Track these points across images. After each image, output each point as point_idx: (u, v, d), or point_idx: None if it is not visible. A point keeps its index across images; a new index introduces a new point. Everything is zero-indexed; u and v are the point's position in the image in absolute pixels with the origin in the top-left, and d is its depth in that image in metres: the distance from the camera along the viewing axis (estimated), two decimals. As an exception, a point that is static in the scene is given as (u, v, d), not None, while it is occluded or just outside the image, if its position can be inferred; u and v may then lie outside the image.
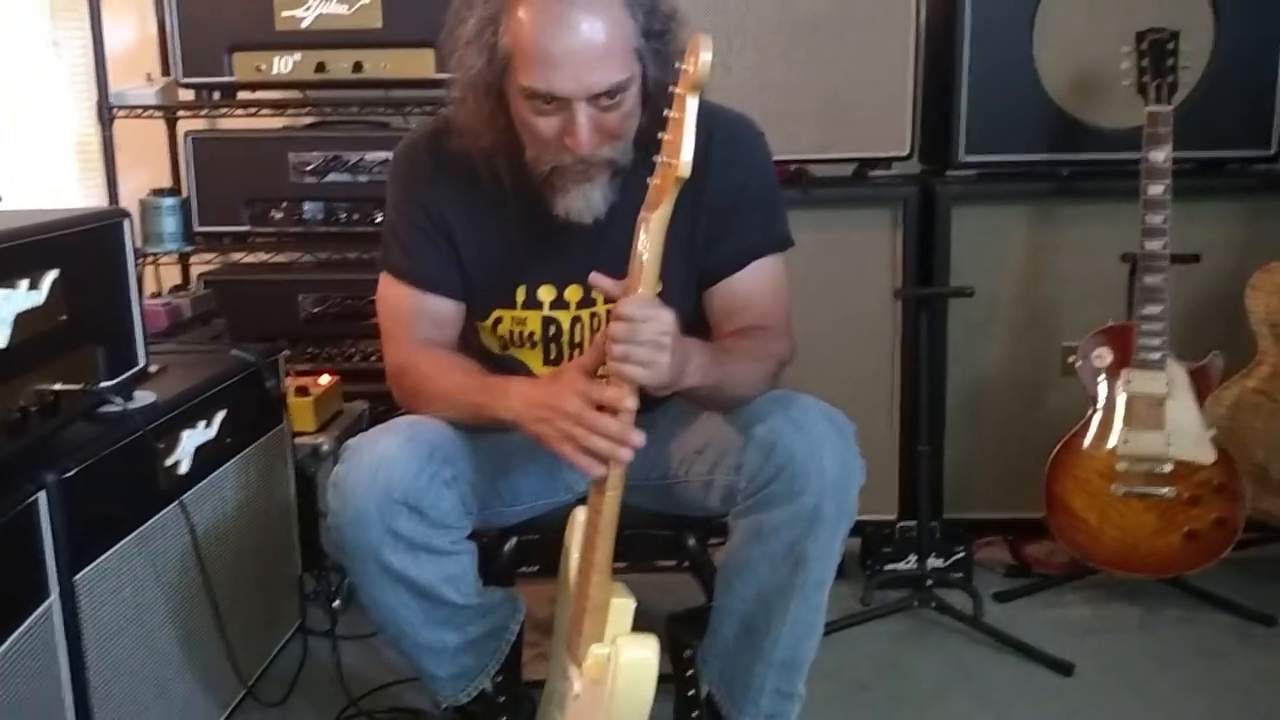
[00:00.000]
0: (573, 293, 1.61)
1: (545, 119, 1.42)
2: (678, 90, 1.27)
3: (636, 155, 1.50)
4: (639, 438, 1.34)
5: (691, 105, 1.26)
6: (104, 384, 1.59)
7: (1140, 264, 2.17)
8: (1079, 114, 2.42)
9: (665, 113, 1.28)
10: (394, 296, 1.62)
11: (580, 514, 1.52)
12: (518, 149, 1.50)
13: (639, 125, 1.48)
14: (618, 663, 1.37)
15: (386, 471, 1.40)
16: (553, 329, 1.63)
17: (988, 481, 2.53)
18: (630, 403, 1.34)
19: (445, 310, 1.61)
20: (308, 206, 2.51)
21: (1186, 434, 2.18)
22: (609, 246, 1.57)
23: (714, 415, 1.57)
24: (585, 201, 1.48)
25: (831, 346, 2.46)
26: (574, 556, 1.49)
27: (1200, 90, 2.40)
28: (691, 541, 1.79)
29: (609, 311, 1.60)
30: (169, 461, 1.68)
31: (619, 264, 1.57)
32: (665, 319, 1.31)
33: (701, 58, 1.24)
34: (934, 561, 2.33)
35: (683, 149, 1.26)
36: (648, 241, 1.32)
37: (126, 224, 1.69)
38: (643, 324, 1.30)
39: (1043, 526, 2.29)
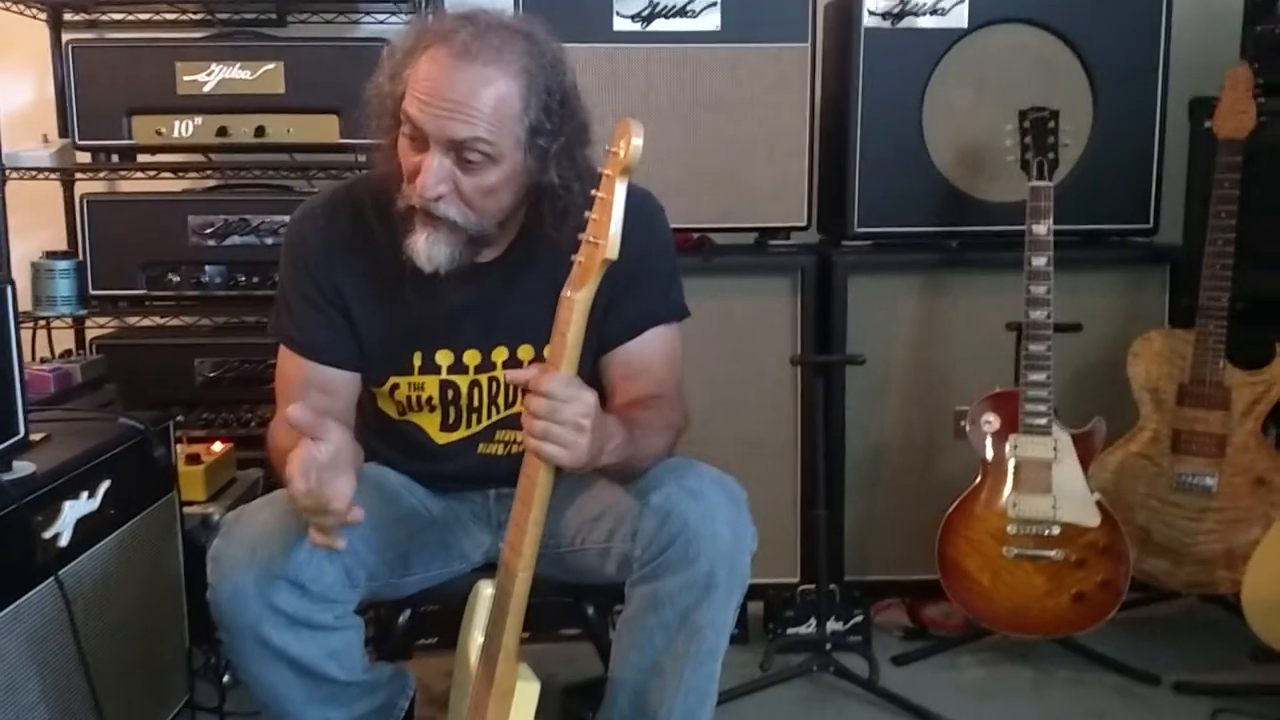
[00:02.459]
0: (470, 357, 1.62)
1: (411, 155, 1.46)
2: (606, 172, 1.28)
3: (531, 236, 1.55)
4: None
5: (620, 188, 1.27)
6: (-22, 455, 1.54)
7: (1025, 332, 2.25)
8: (967, 188, 2.52)
9: (592, 192, 1.29)
10: (283, 364, 1.63)
11: (485, 588, 1.50)
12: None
13: (512, 213, 1.52)
14: None
15: (265, 545, 1.37)
16: (450, 393, 1.63)
17: (886, 544, 2.58)
18: None
19: (334, 379, 1.61)
20: (207, 270, 2.48)
21: (1072, 497, 2.25)
22: (507, 314, 1.60)
23: (611, 483, 1.58)
24: (426, 249, 1.48)
25: (734, 412, 2.49)
26: (475, 635, 1.47)
27: (1082, 166, 2.52)
28: (590, 610, 1.78)
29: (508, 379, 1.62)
30: (47, 534, 1.62)
31: (516, 332, 1.60)
32: (587, 400, 1.31)
33: (633, 142, 1.25)
34: (834, 625, 2.36)
35: (610, 230, 1.27)
36: (571, 321, 1.31)
37: (9, 290, 1.65)
38: (565, 404, 1.29)
39: (940, 587, 2.33)
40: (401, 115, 1.45)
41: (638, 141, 1.26)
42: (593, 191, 1.30)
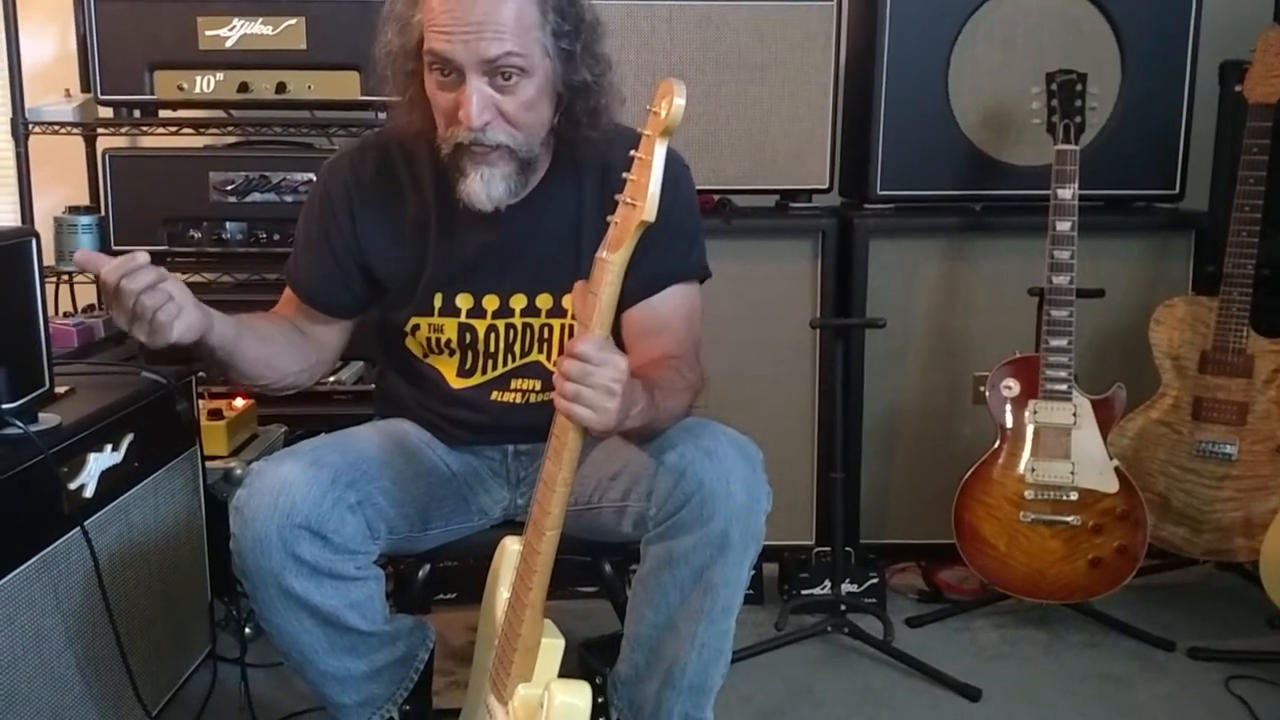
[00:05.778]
0: (490, 301, 1.63)
1: (446, 93, 1.47)
2: (646, 133, 1.26)
3: (553, 182, 1.55)
4: None
5: (660, 149, 1.24)
6: (6, 405, 1.56)
7: (1047, 297, 2.24)
8: (992, 151, 2.50)
9: (631, 153, 1.27)
10: (283, 296, 1.70)
11: (511, 544, 1.50)
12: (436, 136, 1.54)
13: (551, 125, 1.53)
14: (550, 707, 1.34)
15: (288, 496, 1.39)
16: (468, 336, 1.65)
17: (902, 508, 2.58)
18: None
19: (317, 319, 1.68)
20: (228, 226, 2.48)
21: (1091, 463, 2.24)
22: (527, 260, 1.61)
23: (628, 442, 1.58)
24: (484, 185, 1.49)
25: (752, 375, 2.49)
26: (501, 591, 1.48)
27: (1108, 130, 2.49)
28: (608, 568, 1.79)
29: (525, 324, 1.64)
30: (73, 485, 1.65)
31: (536, 279, 1.61)
32: (620, 365, 1.30)
33: (675, 103, 1.22)
34: (848, 587, 2.37)
35: (649, 191, 1.24)
36: (606, 283, 1.29)
37: (34, 243, 1.67)
38: (597, 368, 1.28)
39: (956, 552, 2.34)
40: (427, 57, 1.46)
41: (680, 102, 1.22)
42: (631, 152, 1.28)
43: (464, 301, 1.63)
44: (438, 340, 1.66)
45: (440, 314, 1.64)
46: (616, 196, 1.30)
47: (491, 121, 1.46)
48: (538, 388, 1.67)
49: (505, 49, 1.42)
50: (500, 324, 1.64)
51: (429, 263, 1.62)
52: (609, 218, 1.31)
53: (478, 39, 1.41)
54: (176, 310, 1.35)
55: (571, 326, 1.61)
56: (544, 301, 1.62)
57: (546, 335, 1.65)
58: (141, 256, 1.35)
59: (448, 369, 1.69)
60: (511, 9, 1.42)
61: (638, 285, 1.59)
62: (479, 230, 1.57)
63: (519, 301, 1.63)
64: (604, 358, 1.29)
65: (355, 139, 1.73)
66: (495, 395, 1.68)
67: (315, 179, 1.70)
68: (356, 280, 1.66)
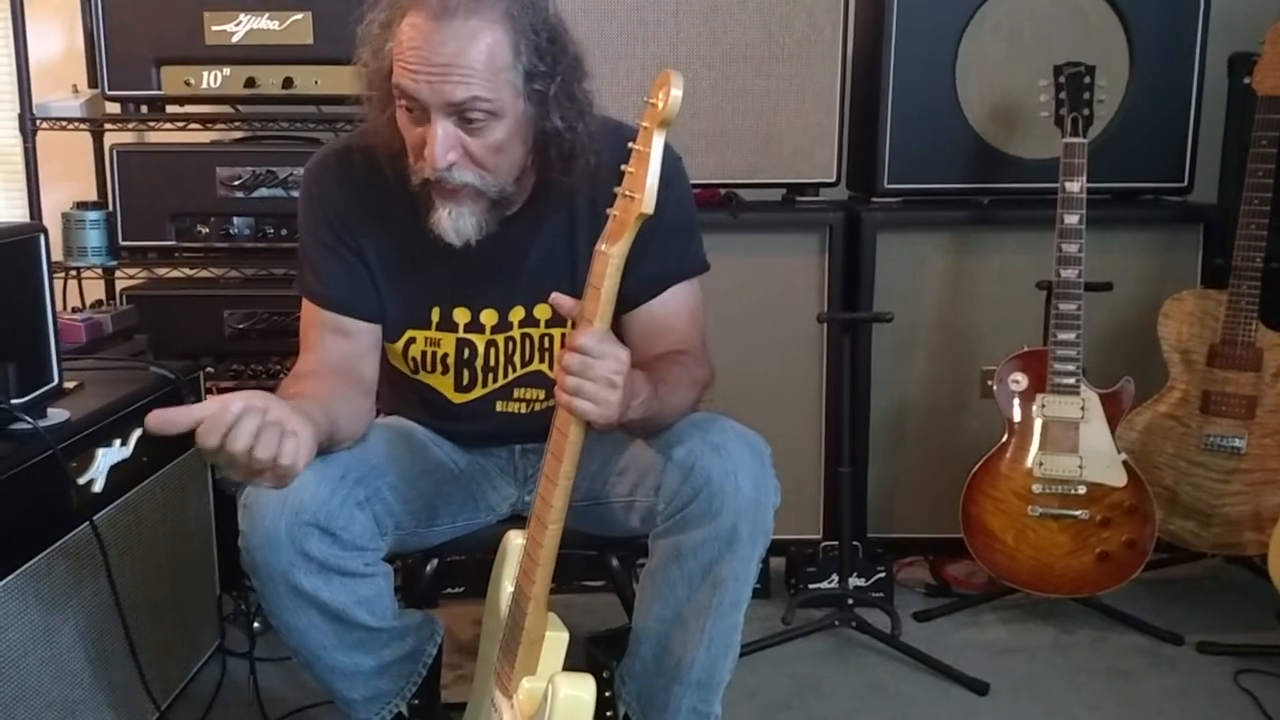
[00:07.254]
0: (488, 316, 1.61)
1: (414, 128, 1.42)
2: (644, 124, 1.25)
3: (545, 190, 1.52)
4: None
5: (658, 141, 1.24)
6: (14, 401, 1.56)
7: (1055, 291, 2.23)
8: (999, 144, 2.49)
9: (630, 145, 1.27)
10: (306, 318, 1.61)
11: (514, 538, 1.50)
12: None
13: (525, 164, 1.48)
14: (554, 701, 1.34)
15: (297, 493, 1.38)
16: (467, 352, 1.63)
17: (909, 502, 2.58)
18: None
19: (355, 326, 1.59)
20: (235, 222, 2.49)
21: (1099, 457, 2.24)
22: (524, 273, 1.58)
23: (636, 437, 1.58)
24: (452, 222, 1.45)
25: (759, 369, 2.49)
26: (505, 585, 1.48)
27: (1116, 123, 2.48)
28: (615, 562, 1.80)
29: (524, 335, 1.62)
30: (82, 480, 1.66)
31: (533, 291, 1.57)
32: (621, 357, 1.30)
33: (672, 94, 1.22)
34: (855, 581, 2.37)
35: (647, 183, 1.24)
36: (605, 275, 1.29)
37: (43, 239, 1.67)
38: (599, 360, 1.28)
39: (963, 546, 2.34)
40: (394, 90, 1.41)
41: (677, 94, 1.22)
42: (630, 144, 1.27)
43: (461, 316, 1.60)
44: (433, 355, 1.62)
45: (438, 328, 1.61)
46: (615, 189, 1.29)
47: (457, 162, 1.41)
48: (541, 397, 1.66)
49: (471, 93, 1.36)
50: (500, 338, 1.61)
51: (424, 275, 1.58)
52: (608, 210, 1.30)
53: (443, 81, 1.35)
54: (295, 444, 1.22)
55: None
56: (542, 312, 1.60)
57: (547, 345, 1.63)
58: (232, 406, 1.18)
59: (444, 385, 1.66)
60: (482, 49, 1.36)
61: (638, 288, 1.56)
62: (474, 246, 1.50)
63: (517, 314, 1.61)
64: (604, 350, 1.29)
65: (331, 145, 1.63)
66: (500, 406, 1.67)
67: (302, 191, 1.61)
68: (369, 276, 1.59)
